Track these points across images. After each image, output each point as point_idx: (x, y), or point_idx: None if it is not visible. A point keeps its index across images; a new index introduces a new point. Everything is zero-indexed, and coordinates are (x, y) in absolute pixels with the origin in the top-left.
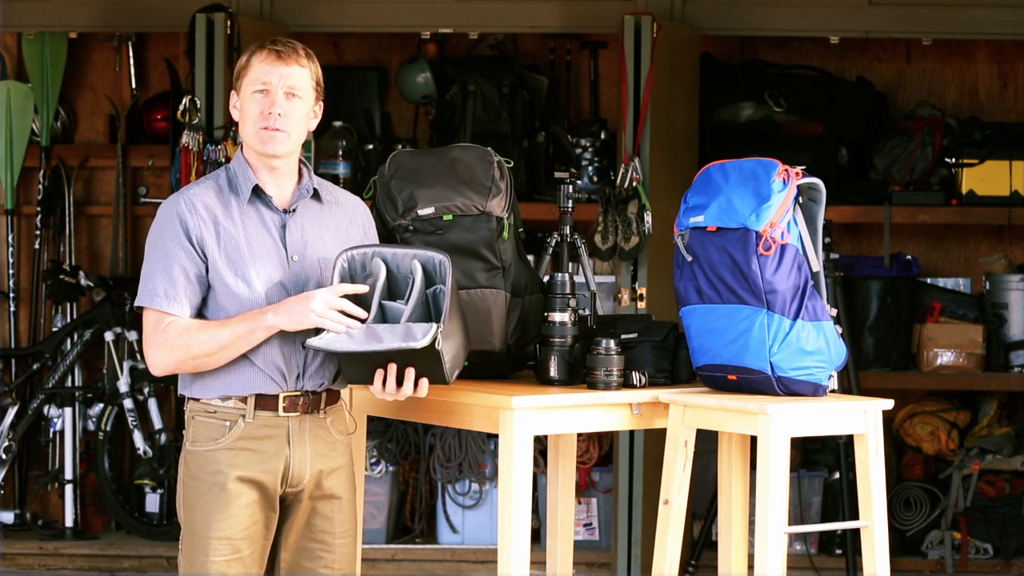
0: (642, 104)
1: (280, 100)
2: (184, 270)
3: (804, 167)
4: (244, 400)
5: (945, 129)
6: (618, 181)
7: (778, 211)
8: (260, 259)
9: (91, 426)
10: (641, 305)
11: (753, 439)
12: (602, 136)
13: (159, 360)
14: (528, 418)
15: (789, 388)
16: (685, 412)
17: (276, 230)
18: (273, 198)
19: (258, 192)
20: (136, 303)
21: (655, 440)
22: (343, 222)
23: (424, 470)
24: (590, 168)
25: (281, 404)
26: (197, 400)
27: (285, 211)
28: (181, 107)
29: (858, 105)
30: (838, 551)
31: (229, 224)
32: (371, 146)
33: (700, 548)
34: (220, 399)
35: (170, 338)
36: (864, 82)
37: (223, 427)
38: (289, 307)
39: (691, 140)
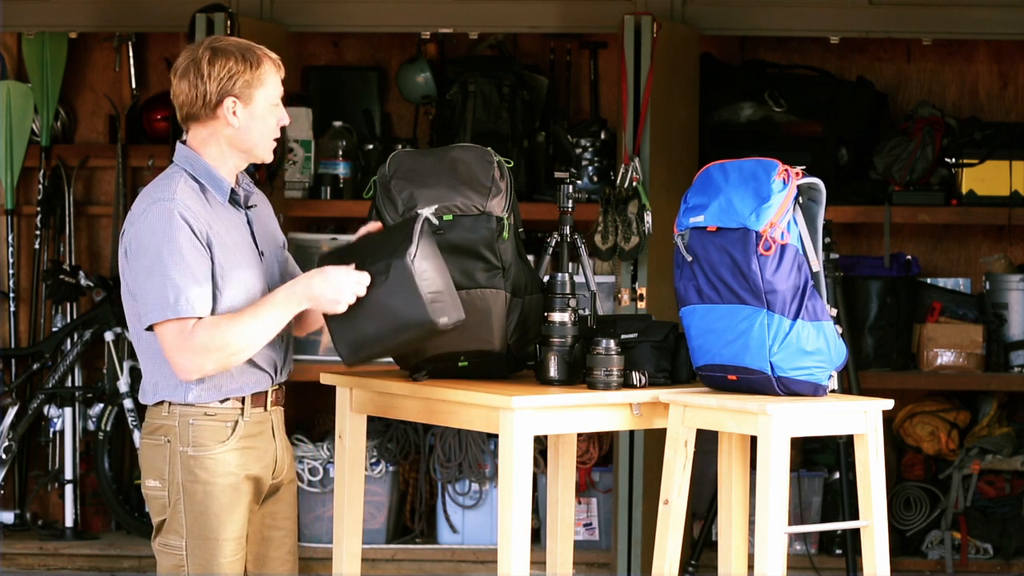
0: (642, 104)
1: (284, 112)
2: (206, 274)
3: (804, 167)
4: (240, 399)
5: (945, 129)
6: (618, 181)
7: (778, 211)
8: (247, 258)
9: (91, 426)
10: (641, 305)
11: (753, 439)
12: (602, 136)
13: (200, 366)
14: (528, 418)
15: (789, 388)
16: (685, 412)
17: (244, 227)
18: (241, 196)
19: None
20: (168, 315)
21: (655, 440)
22: (267, 212)
23: (424, 470)
24: (590, 168)
25: (269, 399)
26: (191, 405)
27: (246, 208)
28: None
29: (858, 105)
30: (838, 551)
31: (218, 226)
32: (371, 146)
33: (700, 548)
34: (219, 401)
35: (203, 340)
36: (864, 82)
37: (226, 428)
38: (318, 296)
39: (691, 140)
